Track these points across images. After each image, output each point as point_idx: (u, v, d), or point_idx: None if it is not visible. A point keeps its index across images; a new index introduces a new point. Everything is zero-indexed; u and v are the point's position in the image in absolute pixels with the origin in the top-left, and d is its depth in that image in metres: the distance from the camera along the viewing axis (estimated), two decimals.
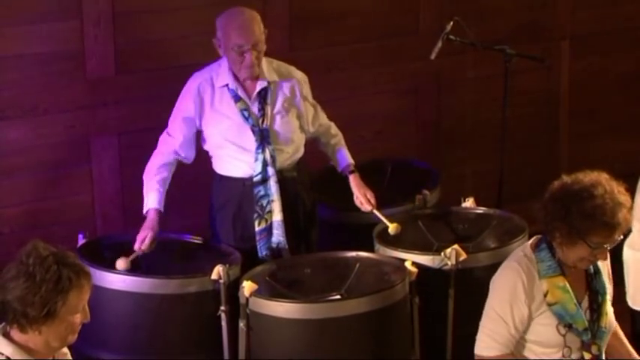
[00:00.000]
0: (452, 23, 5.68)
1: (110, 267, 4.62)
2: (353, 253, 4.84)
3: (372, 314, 4.41)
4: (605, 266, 4.08)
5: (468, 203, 5.27)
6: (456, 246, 4.70)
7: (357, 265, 4.80)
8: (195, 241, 5.00)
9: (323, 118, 5.17)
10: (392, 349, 4.50)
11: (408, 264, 4.64)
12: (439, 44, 5.70)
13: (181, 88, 5.53)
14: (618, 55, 7.03)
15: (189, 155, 4.97)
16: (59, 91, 5.36)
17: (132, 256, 4.70)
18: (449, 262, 4.67)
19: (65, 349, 3.49)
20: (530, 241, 4.04)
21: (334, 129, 5.21)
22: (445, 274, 4.69)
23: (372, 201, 5.01)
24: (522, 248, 4.03)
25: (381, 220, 5.01)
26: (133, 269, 4.65)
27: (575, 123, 7.00)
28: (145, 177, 4.95)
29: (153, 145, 5.58)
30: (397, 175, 5.66)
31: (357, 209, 5.11)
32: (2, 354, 3.31)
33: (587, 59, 6.95)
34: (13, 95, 5.27)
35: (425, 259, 4.73)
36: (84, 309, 3.36)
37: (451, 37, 5.70)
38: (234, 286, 4.56)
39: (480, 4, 6.44)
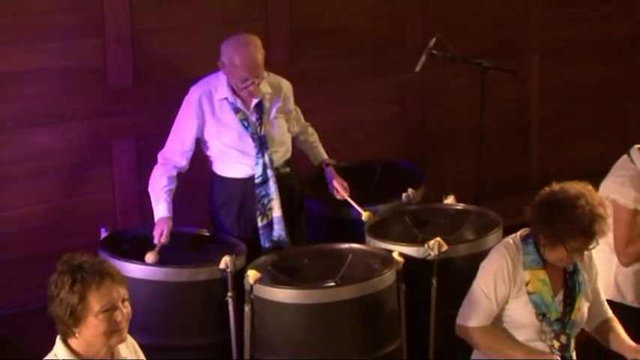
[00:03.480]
0: (435, 39, 5.66)
1: (129, 258, 4.58)
2: (346, 245, 4.82)
3: (362, 299, 4.38)
4: (589, 263, 4.05)
5: (449, 200, 5.25)
6: (438, 238, 4.67)
7: (350, 256, 4.78)
8: (205, 234, 4.96)
9: (302, 118, 5.17)
10: (380, 331, 4.48)
11: (395, 254, 4.61)
12: (423, 58, 5.68)
13: None
14: (583, 68, 7.05)
15: (185, 165, 4.89)
16: (83, 101, 5.34)
17: (156, 249, 4.64)
18: (432, 253, 4.64)
19: (122, 346, 3.41)
20: (520, 231, 4.01)
21: (311, 129, 5.22)
22: (429, 263, 4.66)
23: (348, 190, 5.02)
24: (512, 237, 4.01)
25: (354, 207, 4.98)
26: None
27: (544, 128, 7.00)
28: (151, 190, 4.86)
29: None
30: (386, 175, 5.63)
31: (347, 205, 5.10)
32: (56, 355, 3.28)
33: (556, 72, 6.96)
34: (42, 104, 5.25)
35: (410, 250, 4.70)
36: (115, 307, 3.25)
37: (434, 51, 5.68)
38: (240, 274, 4.53)
39: (460, 23, 6.44)
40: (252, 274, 4.43)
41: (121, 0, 5.33)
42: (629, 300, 4.67)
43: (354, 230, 4.98)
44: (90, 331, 3.25)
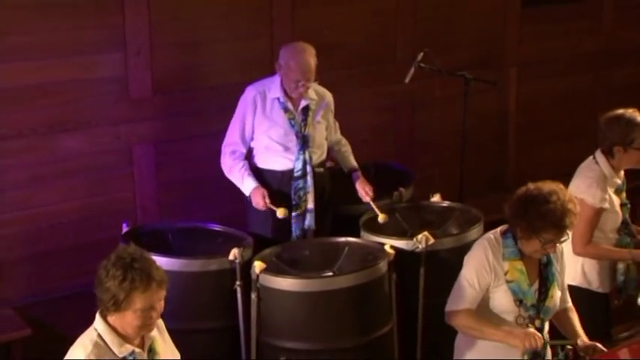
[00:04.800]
0: (422, 54, 5.65)
1: (148, 250, 4.54)
2: (343, 239, 4.82)
3: (357, 288, 4.39)
4: (561, 256, 4.04)
5: (436, 198, 5.25)
6: (425, 232, 4.68)
7: (346, 248, 4.78)
8: (216, 228, 4.94)
9: (339, 132, 5.26)
10: (374, 316, 4.48)
11: (387, 247, 4.62)
12: (412, 70, 5.66)
13: (206, 106, 5.54)
14: (555, 80, 7.04)
15: (245, 152, 4.96)
16: (107, 109, 5.32)
17: (272, 208, 4.76)
18: (420, 246, 4.64)
19: (154, 333, 3.43)
20: (500, 227, 4.02)
21: (344, 141, 5.29)
22: (417, 255, 4.66)
23: (371, 194, 5.04)
24: (493, 232, 4.01)
25: (373, 210, 4.98)
26: (166, 252, 4.60)
27: (520, 134, 7.00)
28: (230, 175, 4.92)
29: (183, 152, 5.56)
30: (379, 175, 5.62)
31: (348, 203, 5.11)
32: (96, 330, 3.32)
33: (531, 83, 6.95)
34: (71, 112, 5.24)
35: (401, 243, 4.70)
36: (153, 308, 3.28)
37: (422, 64, 5.67)
38: (247, 265, 4.52)
39: (445, 39, 6.43)
40: (258, 265, 4.43)
41: (141, 18, 5.32)
42: (595, 286, 4.68)
43: (351, 226, 4.97)
44: (125, 322, 3.30)
